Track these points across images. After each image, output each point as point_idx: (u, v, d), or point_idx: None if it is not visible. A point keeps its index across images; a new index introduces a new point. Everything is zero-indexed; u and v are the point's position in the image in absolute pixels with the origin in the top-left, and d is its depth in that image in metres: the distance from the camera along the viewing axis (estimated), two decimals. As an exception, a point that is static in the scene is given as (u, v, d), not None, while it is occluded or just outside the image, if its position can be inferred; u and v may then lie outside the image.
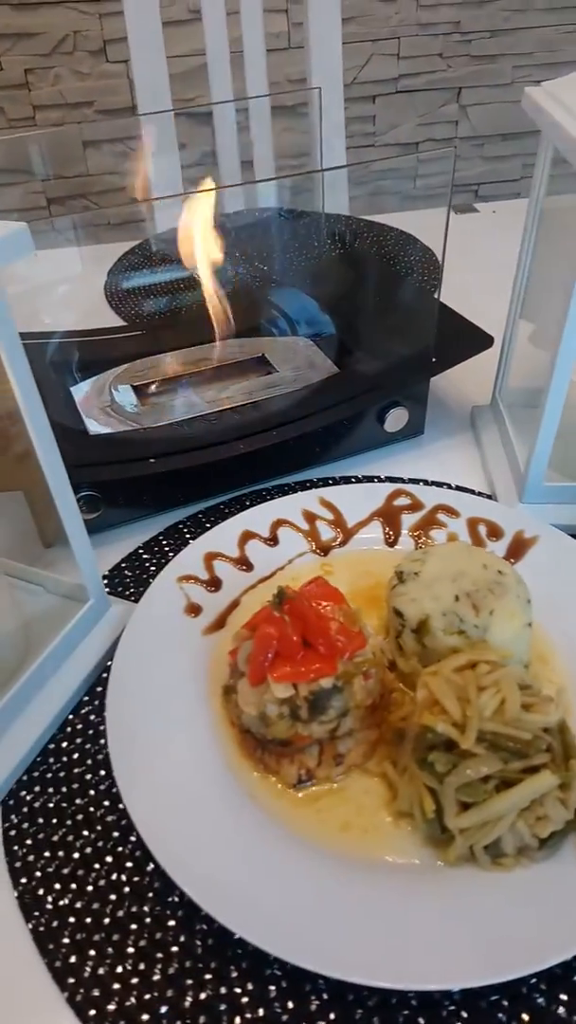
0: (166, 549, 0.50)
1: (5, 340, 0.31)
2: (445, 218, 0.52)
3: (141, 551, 0.50)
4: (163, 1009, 0.29)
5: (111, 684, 0.38)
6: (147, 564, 0.49)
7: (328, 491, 0.51)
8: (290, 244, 0.85)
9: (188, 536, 0.51)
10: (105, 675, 0.42)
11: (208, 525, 0.51)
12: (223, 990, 0.30)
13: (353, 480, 0.54)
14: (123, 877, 0.33)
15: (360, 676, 0.34)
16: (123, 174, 1.41)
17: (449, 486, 0.52)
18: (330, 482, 0.54)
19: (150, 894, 0.33)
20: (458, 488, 0.52)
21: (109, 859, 0.34)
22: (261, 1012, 0.29)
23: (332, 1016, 0.29)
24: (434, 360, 0.56)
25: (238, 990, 0.30)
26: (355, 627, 0.35)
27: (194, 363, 0.61)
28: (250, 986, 0.30)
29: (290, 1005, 0.29)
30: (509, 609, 0.37)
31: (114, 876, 0.33)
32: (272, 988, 0.30)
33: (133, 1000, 0.29)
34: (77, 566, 0.41)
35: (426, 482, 0.53)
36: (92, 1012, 0.29)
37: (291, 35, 1.46)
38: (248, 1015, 0.29)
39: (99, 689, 0.41)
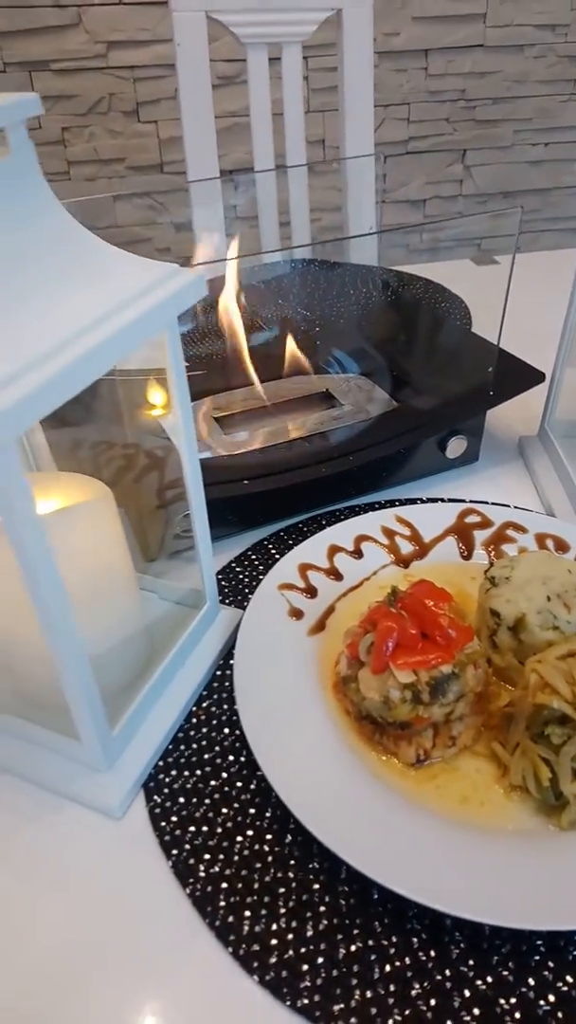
0: (255, 562, 0.54)
1: (177, 377, 0.36)
2: (509, 271, 0.58)
3: (234, 564, 0.54)
4: (319, 960, 0.32)
5: (236, 678, 0.42)
6: (240, 575, 0.53)
7: (403, 510, 0.55)
8: (337, 292, 0.92)
9: (273, 551, 0.55)
10: (218, 672, 0.46)
11: (290, 542, 0.55)
12: (371, 943, 0.33)
13: (419, 501, 0.59)
14: (264, 848, 0.37)
15: (471, 665, 0.39)
16: (152, 225, 1.50)
17: (507, 506, 0.57)
18: (396, 503, 0.59)
19: (291, 862, 0.36)
20: (517, 508, 0.57)
21: (249, 832, 0.37)
22: (408, 960, 0.32)
23: (471, 962, 0.32)
24: (491, 394, 0.61)
25: (384, 942, 0.33)
26: (464, 622, 0.40)
27: (266, 398, 0.66)
28: (394, 938, 0.33)
29: (432, 953, 0.33)
30: (596, 607, 0.41)
31: (256, 847, 0.37)
32: (414, 939, 0.33)
33: (291, 953, 0.33)
34: (200, 574, 0.45)
35: (486, 503, 0.58)
36: (255, 964, 0.32)
37: (310, 101, 1.57)
38: (396, 963, 0.32)
39: (215, 684, 0.45)
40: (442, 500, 0.59)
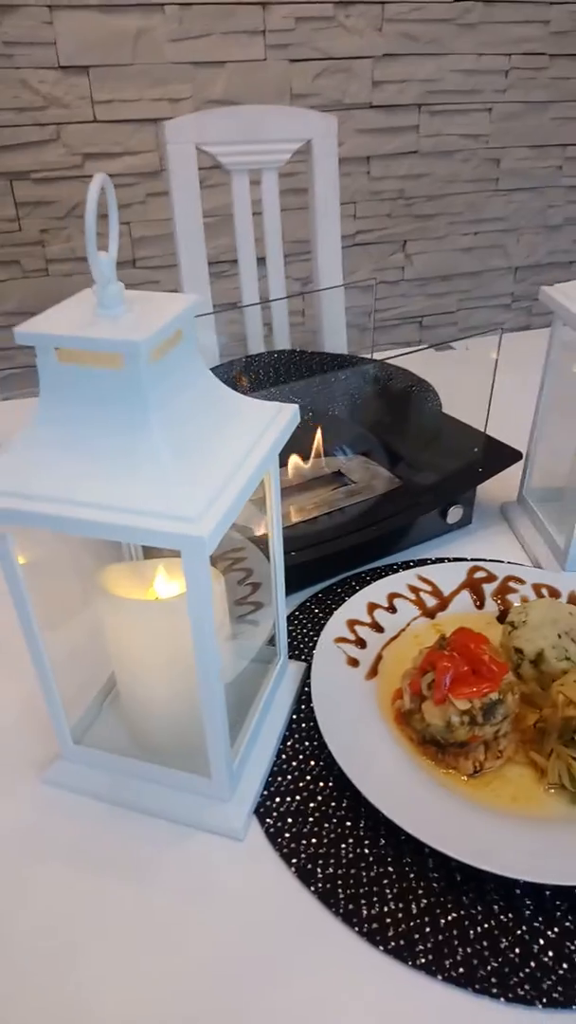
0: (304, 621, 0.64)
1: (273, 475, 0.47)
2: (492, 369, 0.71)
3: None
4: (427, 929, 0.42)
5: (319, 716, 0.51)
6: (293, 633, 0.63)
7: (423, 569, 0.67)
8: (321, 380, 1.04)
9: (316, 611, 0.65)
10: (295, 716, 0.55)
11: (328, 602, 0.66)
12: (462, 912, 0.42)
13: (429, 561, 0.71)
14: (365, 851, 0.46)
15: (510, 692, 0.49)
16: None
17: (502, 562, 0.69)
18: (411, 563, 0.70)
19: (388, 859, 0.45)
20: (511, 563, 0.69)
21: (351, 840, 0.46)
22: (492, 922, 0.42)
23: (540, 919, 0.42)
24: (480, 470, 0.74)
25: (472, 911, 0.42)
26: (500, 658, 0.51)
27: (285, 480, 0.77)
28: (479, 907, 0.42)
29: (510, 915, 0.42)
30: (595, 640, 0.53)
31: (358, 850, 0.46)
32: (494, 907, 0.42)
33: (404, 927, 0.42)
34: (277, 634, 0.55)
35: (486, 560, 0.70)
36: (378, 938, 0.41)
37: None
38: (485, 925, 0.42)
39: (293, 727, 0.54)
40: (448, 559, 0.71)
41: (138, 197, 1.70)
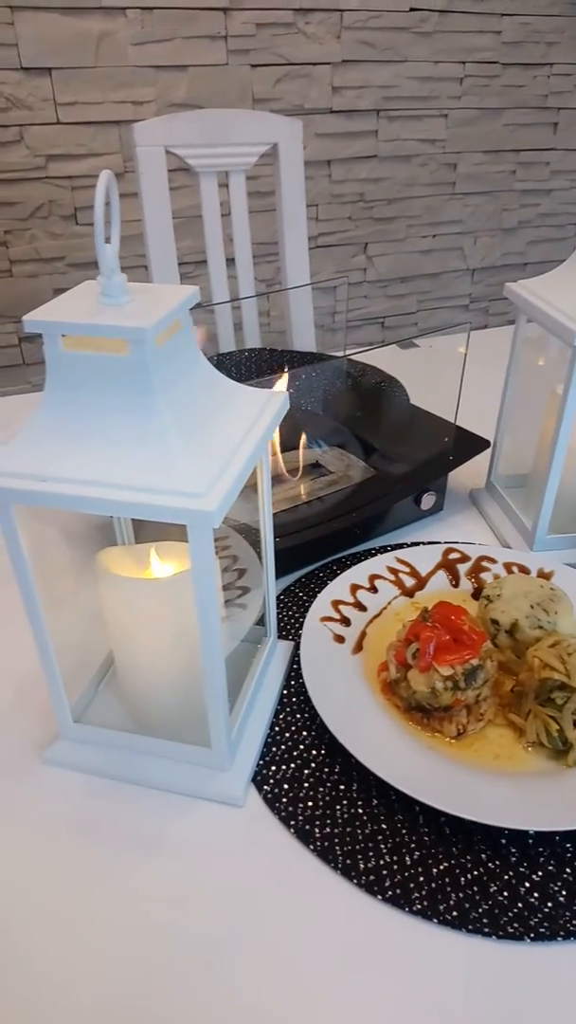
0: (289, 604, 0.67)
1: (265, 460, 0.49)
2: (461, 366, 0.75)
3: (274, 607, 0.66)
4: (420, 879, 0.44)
5: (311, 690, 0.54)
6: (279, 615, 0.65)
7: (401, 552, 0.70)
8: (292, 376, 1.07)
9: (301, 594, 0.68)
10: (285, 691, 0.57)
11: (313, 586, 0.68)
12: (452, 862, 0.45)
13: (405, 545, 0.74)
14: (359, 811, 0.48)
15: (489, 658, 0.53)
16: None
17: (474, 544, 0.73)
18: (388, 548, 0.73)
19: (382, 818, 0.48)
20: (482, 544, 0.73)
21: (344, 802, 0.49)
22: (481, 869, 0.45)
23: (525, 864, 0.45)
24: (451, 458, 0.78)
25: (462, 860, 0.45)
26: (479, 628, 0.54)
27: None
28: (468, 857, 0.45)
29: (497, 863, 0.45)
30: (566, 609, 0.57)
31: (352, 811, 0.48)
32: (482, 855, 0.46)
33: (399, 877, 0.44)
34: (266, 615, 0.57)
35: (458, 542, 0.73)
36: (375, 888, 0.44)
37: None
38: (474, 872, 0.45)
39: (284, 701, 0.56)
40: (423, 543, 0.74)
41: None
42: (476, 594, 0.66)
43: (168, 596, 0.47)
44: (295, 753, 0.52)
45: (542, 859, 0.46)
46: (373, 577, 0.67)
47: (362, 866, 0.45)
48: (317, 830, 0.47)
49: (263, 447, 0.44)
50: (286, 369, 1.09)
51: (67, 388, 0.40)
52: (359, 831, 0.47)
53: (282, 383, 0.74)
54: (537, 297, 0.68)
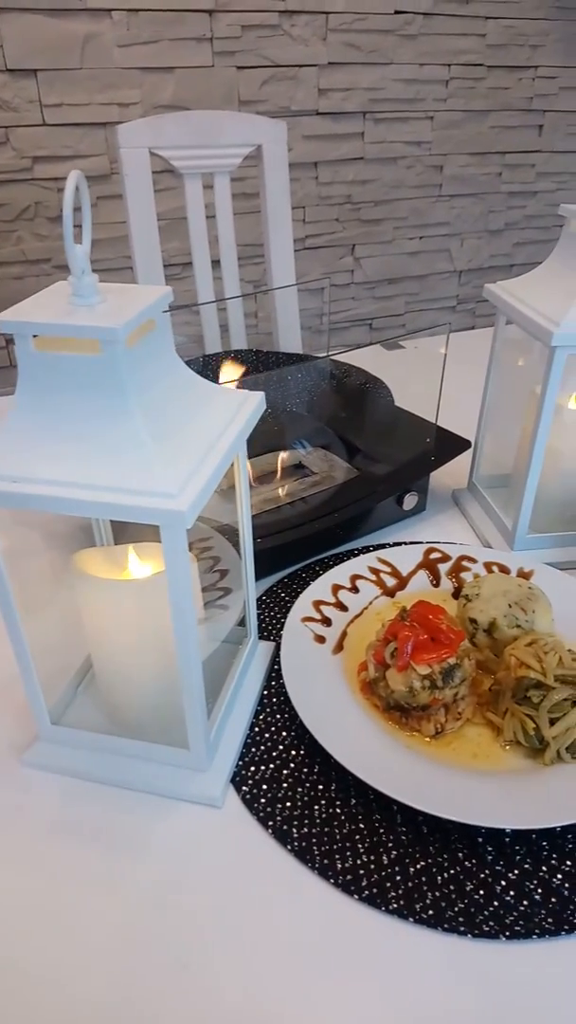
0: (271, 604, 0.67)
1: (242, 459, 0.49)
2: (441, 368, 0.75)
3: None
4: (397, 878, 0.44)
5: (290, 690, 0.54)
6: (261, 615, 0.65)
7: (382, 552, 0.70)
8: (278, 377, 1.07)
9: (283, 595, 0.68)
10: (265, 692, 0.57)
11: (295, 587, 0.68)
12: (429, 861, 0.45)
13: (387, 545, 0.74)
14: (337, 811, 0.48)
15: (467, 657, 0.53)
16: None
17: (455, 544, 0.73)
18: (370, 548, 0.73)
19: (359, 817, 0.48)
20: (463, 544, 0.73)
21: (323, 802, 0.49)
22: (458, 868, 0.45)
23: (501, 863, 0.45)
24: (433, 459, 0.78)
25: (439, 859, 0.45)
26: (457, 627, 0.54)
27: (253, 472, 0.79)
28: (445, 855, 0.46)
29: (474, 861, 0.45)
30: (543, 608, 0.57)
31: (330, 811, 0.48)
32: (459, 854, 0.46)
33: (376, 877, 0.44)
34: (247, 616, 0.57)
35: (439, 542, 0.74)
36: (352, 888, 0.44)
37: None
38: (451, 871, 0.45)
39: (264, 702, 0.56)
40: (405, 543, 0.74)
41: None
42: (456, 593, 0.66)
43: (144, 597, 0.47)
44: (274, 754, 0.52)
45: (518, 857, 0.46)
46: (355, 577, 0.67)
47: (339, 866, 0.45)
48: (295, 830, 0.47)
49: (238, 447, 0.44)
50: (260, 370, 1.09)
51: (39, 389, 0.40)
52: (337, 831, 0.47)
53: (263, 385, 0.74)
54: (515, 298, 0.68)
